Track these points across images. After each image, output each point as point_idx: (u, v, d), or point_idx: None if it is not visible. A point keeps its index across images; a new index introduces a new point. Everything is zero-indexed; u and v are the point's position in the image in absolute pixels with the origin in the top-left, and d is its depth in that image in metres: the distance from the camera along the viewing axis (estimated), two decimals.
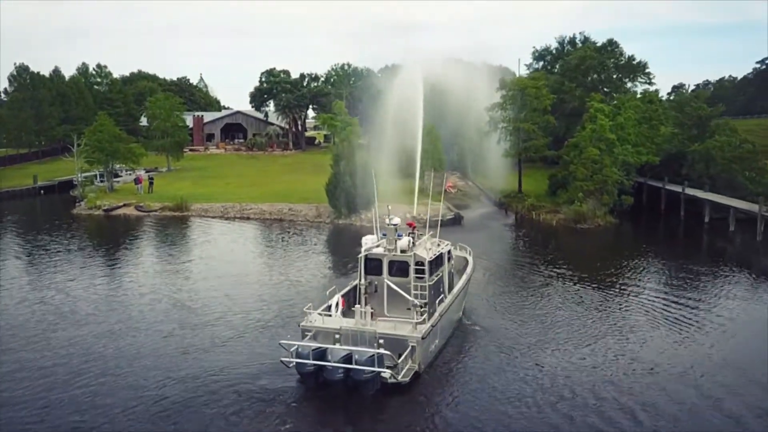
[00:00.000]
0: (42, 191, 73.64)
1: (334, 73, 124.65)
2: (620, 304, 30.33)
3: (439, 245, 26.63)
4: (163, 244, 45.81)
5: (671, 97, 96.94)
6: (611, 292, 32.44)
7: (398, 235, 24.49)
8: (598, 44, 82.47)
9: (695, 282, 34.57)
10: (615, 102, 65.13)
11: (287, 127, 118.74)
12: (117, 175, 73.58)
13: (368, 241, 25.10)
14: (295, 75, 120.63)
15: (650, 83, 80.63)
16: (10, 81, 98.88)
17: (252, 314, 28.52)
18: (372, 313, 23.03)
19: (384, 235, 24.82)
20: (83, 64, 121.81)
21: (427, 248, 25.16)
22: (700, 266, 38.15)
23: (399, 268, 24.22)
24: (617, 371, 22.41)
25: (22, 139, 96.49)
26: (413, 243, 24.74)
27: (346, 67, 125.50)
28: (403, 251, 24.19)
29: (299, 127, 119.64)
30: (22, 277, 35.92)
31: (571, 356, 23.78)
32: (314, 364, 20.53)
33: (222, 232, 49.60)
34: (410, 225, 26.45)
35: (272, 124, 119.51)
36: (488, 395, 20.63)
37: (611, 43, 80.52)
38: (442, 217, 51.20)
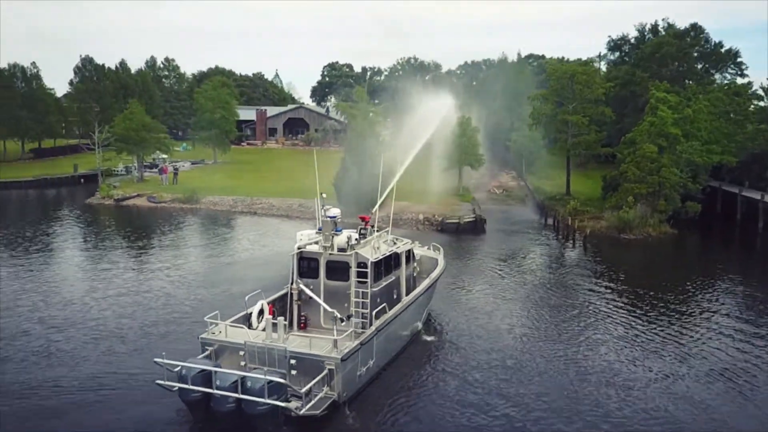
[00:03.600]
0: (82, 180, 73.36)
1: (399, 67, 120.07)
2: (647, 350, 23.05)
3: (395, 244, 21.84)
4: (148, 235, 42.40)
5: None
6: (639, 328, 24.95)
7: (337, 230, 19.80)
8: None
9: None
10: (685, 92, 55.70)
11: (347, 121, 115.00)
12: (156, 166, 72.17)
13: (304, 236, 20.52)
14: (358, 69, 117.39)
15: (742, 74, 69.89)
16: (75, 73, 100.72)
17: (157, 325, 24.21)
18: (303, 324, 19.40)
19: (320, 229, 20.04)
20: (151, 57, 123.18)
21: (374, 247, 20.32)
22: None
23: (338, 270, 19.70)
24: None
25: (85, 130, 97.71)
26: (357, 240, 19.96)
27: (412, 60, 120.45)
28: (341, 249, 19.59)
29: None
30: None
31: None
32: (199, 391, 16.35)
33: (218, 226, 45.83)
34: (363, 219, 21.64)
35: (332, 118, 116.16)
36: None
37: (695, 28, 70.15)
38: (459, 220, 45.28)
